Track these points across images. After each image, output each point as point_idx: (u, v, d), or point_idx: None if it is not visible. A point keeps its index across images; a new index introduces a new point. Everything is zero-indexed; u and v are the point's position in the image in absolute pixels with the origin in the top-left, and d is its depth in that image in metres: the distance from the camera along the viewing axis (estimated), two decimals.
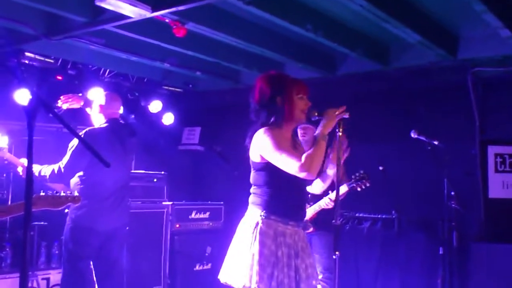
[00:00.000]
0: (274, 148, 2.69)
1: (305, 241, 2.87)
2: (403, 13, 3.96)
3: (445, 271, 4.43)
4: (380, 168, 4.30)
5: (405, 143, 4.62)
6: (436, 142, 4.18)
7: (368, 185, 3.96)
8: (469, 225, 4.80)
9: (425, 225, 5.11)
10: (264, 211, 2.75)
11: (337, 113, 2.75)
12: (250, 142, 2.84)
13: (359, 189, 3.98)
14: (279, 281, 2.65)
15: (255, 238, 2.69)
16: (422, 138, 4.23)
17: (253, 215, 2.79)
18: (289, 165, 2.66)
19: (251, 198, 2.86)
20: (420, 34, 4.22)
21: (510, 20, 3.95)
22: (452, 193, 4.16)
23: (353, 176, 4.01)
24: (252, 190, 2.87)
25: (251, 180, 2.89)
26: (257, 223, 2.73)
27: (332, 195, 4.05)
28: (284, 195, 2.78)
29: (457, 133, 5.03)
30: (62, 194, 3.07)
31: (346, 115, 2.77)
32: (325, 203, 4.14)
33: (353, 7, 3.76)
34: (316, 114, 2.83)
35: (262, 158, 2.77)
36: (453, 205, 4.18)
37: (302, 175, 2.67)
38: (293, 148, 2.82)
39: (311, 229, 4.10)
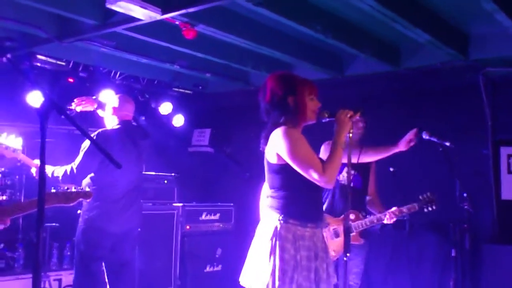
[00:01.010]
0: (294, 151, 2.67)
1: (324, 241, 2.87)
2: (412, 13, 3.95)
3: (457, 273, 4.40)
4: (391, 169, 4.28)
5: (416, 145, 4.59)
6: (448, 143, 4.15)
7: (434, 208, 4.00)
8: (482, 227, 4.77)
9: (437, 227, 5.07)
10: (282, 215, 2.73)
11: (349, 116, 2.75)
12: (265, 144, 2.82)
13: (425, 210, 4.03)
14: (299, 284, 2.66)
15: (275, 243, 2.69)
16: (434, 139, 4.19)
17: (271, 219, 2.77)
18: (309, 172, 2.66)
19: (268, 202, 2.83)
20: (430, 34, 4.20)
21: None
22: (464, 194, 4.12)
23: (420, 197, 4.02)
24: (268, 193, 2.85)
25: (267, 182, 2.87)
26: (276, 228, 2.72)
27: (394, 209, 4.07)
28: (301, 197, 2.77)
29: (468, 134, 4.99)
30: (73, 189, 3.09)
31: (358, 116, 2.77)
32: (387, 217, 4.09)
33: (363, 7, 3.75)
34: (326, 115, 2.83)
35: (279, 158, 2.74)
36: (465, 207, 4.14)
37: (322, 184, 2.70)
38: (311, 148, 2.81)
39: (362, 241, 4.10)
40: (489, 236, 4.83)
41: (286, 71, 3.01)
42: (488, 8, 3.63)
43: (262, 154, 2.87)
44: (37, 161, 3.95)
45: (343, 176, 4.11)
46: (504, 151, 4.93)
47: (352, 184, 4.09)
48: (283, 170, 2.75)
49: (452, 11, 4.23)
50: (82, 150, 3.87)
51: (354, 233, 4.02)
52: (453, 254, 4.29)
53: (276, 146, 2.73)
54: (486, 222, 4.82)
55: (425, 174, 5.09)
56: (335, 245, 3.95)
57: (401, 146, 3.76)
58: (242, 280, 2.81)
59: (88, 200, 3.34)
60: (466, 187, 4.20)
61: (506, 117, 5.02)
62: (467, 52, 4.71)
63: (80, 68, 5.54)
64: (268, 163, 2.82)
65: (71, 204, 3.11)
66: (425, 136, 4.21)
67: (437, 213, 4.97)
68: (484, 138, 5.01)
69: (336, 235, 4.01)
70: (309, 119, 2.85)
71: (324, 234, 3.57)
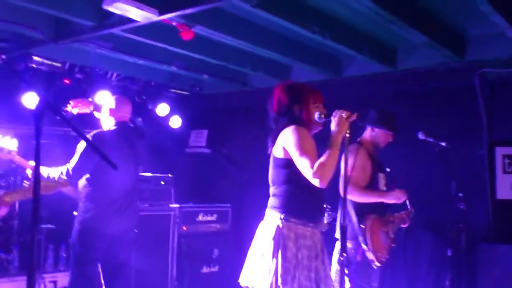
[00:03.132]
0: (298, 143, 2.76)
1: (322, 242, 2.91)
2: (409, 14, 3.96)
3: (453, 272, 4.40)
4: (387, 169, 4.29)
5: (412, 145, 4.60)
6: (443, 144, 4.16)
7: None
8: (477, 227, 4.78)
9: (433, 227, 5.09)
10: (283, 214, 2.78)
11: (345, 116, 2.76)
12: (272, 146, 2.91)
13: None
14: (300, 283, 2.69)
15: (277, 242, 2.72)
16: (430, 139, 4.21)
17: (273, 218, 2.82)
18: (305, 167, 2.72)
19: (270, 201, 2.89)
20: (426, 35, 4.21)
21: None
22: (460, 194, 4.14)
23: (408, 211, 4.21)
24: (271, 191, 2.92)
25: (270, 179, 2.93)
26: (278, 227, 2.76)
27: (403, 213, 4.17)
28: (303, 195, 2.82)
29: (464, 134, 5.01)
30: (53, 180, 3.19)
31: (355, 117, 2.79)
32: (401, 221, 4.15)
33: (360, 8, 3.77)
34: (323, 116, 2.87)
35: (285, 153, 2.82)
36: (461, 207, 4.16)
37: (314, 181, 2.71)
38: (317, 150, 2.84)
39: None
40: (484, 235, 4.85)
41: (293, 82, 3.12)
42: (483, 10, 3.65)
43: (259, 155, 2.92)
44: (32, 163, 3.94)
45: (381, 183, 4.06)
46: (500, 151, 4.95)
47: (385, 189, 4.07)
48: (288, 165, 2.82)
49: (448, 12, 4.24)
50: (78, 151, 3.86)
51: (393, 236, 4.00)
52: (449, 254, 4.29)
53: (284, 140, 2.82)
54: (481, 222, 4.83)
55: (421, 174, 5.10)
56: (387, 248, 3.90)
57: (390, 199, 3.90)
58: (243, 280, 2.82)
59: (67, 188, 3.41)
60: (461, 187, 4.21)
61: (501, 118, 5.03)
62: (463, 53, 4.73)
63: (77, 70, 5.52)
64: (274, 158, 2.90)
65: (51, 193, 3.21)
66: (421, 136, 4.23)
67: (433, 213, 5.00)
68: (479, 138, 5.02)
69: (387, 237, 3.93)
70: (315, 126, 2.95)
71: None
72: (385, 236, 3.89)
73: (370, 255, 3.73)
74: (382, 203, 3.90)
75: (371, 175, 3.94)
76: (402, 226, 4.17)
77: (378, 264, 3.77)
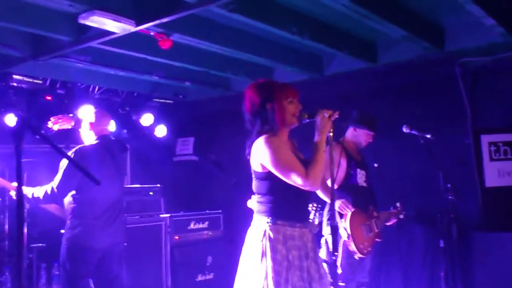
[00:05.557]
0: (276, 159, 2.70)
1: (313, 241, 2.88)
2: (385, 9, 3.98)
3: (448, 263, 4.43)
4: (375, 165, 4.30)
5: (398, 139, 4.63)
6: (428, 136, 4.19)
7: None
8: (468, 216, 4.80)
9: (425, 219, 5.10)
10: (270, 218, 2.75)
11: (328, 115, 2.76)
12: (249, 154, 2.84)
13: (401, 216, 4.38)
14: (293, 284, 2.67)
15: (266, 245, 2.70)
16: (414, 132, 4.24)
17: (259, 223, 2.79)
18: (292, 178, 2.69)
19: (256, 207, 2.85)
20: (404, 29, 4.23)
21: (493, 8, 3.96)
22: (448, 185, 4.17)
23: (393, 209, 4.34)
24: (255, 198, 2.87)
25: (254, 188, 2.88)
26: (265, 231, 2.74)
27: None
28: (288, 199, 2.78)
29: (449, 124, 5.04)
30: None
31: (337, 115, 2.78)
32: (386, 219, 4.28)
33: (337, 7, 3.78)
34: (306, 116, 2.84)
35: (263, 168, 2.77)
36: (449, 197, 4.19)
37: (305, 188, 2.71)
38: (293, 153, 2.81)
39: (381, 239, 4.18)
40: (475, 224, 4.87)
41: (264, 79, 3.02)
42: (459, 0, 3.67)
43: (247, 159, 2.88)
44: (15, 184, 3.89)
45: (360, 179, 4.21)
46: (485, 139, 4.97)
47: (365, 184, 4.23)
48: (268, 177, 2.77)
49: (425, 4, 4.27)
50: (61, 169, 3.82)
51: (377, 231, 4.12)
52: (441, 245, 4.32)
53: (259, 156, 2.76)
54: (472, 211, 4.85)
55: (408, 168, 5.12)
56: (369, 240, 4.02)
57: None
58: (237, 287, 2.80)
59: (68, 217, 3.33)
60: (449, 177, 4.24)
61: (484, 106, 5.07)
62: (443, 44, 4.76)
63: (58, 85, 5.49)
64: (254, 171, 2.85)
65: None
66: (405, 129, 4.26)
67: (424, 205, 5.02)
68: (464, 127, 5.05)
69: (370, 230, 4.08)
70: (291, 123, 2.87)
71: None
72: (367, 229, 4.04)
73: (352, 246, 3.86)
74: (363, 199, 4.04)
75: (346, 171, 4.10)
76: (387, 224, 4.25)
77: (360, 255, 3.91)
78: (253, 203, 2.87)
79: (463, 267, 4.72)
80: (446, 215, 4.32)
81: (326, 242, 3.92)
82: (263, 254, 2.69)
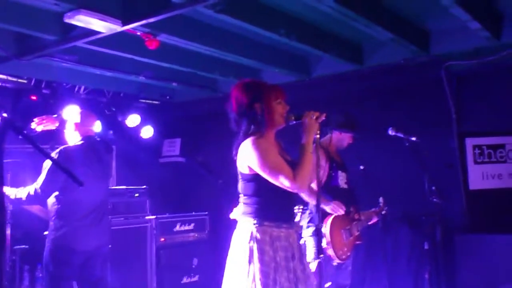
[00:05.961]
0: (264, 162, 2.68)
1: (299, 242, 2.88)
2: (372, 12, 4.00)
3: (432, 265, 4.46)
4: (361, 167, 4.32)
5: (384, 141, 4.64)
6: (413, 138, 4.21)
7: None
8: (452, 218, 4.84)
9: (410, 221, 5.14)
10: (256, 219, 2.73)
11: (314, 117, 2.76)
12: (236, 155, 2.81)
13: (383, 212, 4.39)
14: (281, 285, 2.66)
15: (253, 247, 2.68)
16: (400, 135, 4.26)
17: (245, 224, 2.77)
18: (280, 180, 2.68)
19: (241, 208, 2.83)
20: (391, 32, 4.26)
21: (478, 12, 4.01)
22: (433, 188, 4.19)
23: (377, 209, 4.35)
24: (241, 200, 2.85)
25: (240, 190, 2.86)
26: (252, 232, 2.72)
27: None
28: (274, 200, 2.77)
29: (434, 127, 5.07)
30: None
31: (324, 117, 2.79)
32: (368, 219, 4.26)
33: (323, 9, 3.79)
34: (293, 118, 2.84)
35: (250, 169, 2.75)
36: (434, 200, 4.21)
37: (293, 190, 2.71)
38: (280, 155, 2.80)
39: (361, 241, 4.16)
40: (460, 226, 4.91)
41: (251, 79, 2.98)
42: (445, 3, 3.70)
43: (234, 161, 2.86)
44: None
45: (341, 181, 4.20)
46: (470, 142, 5.02)
47: (346, 186, 4.21)
48: (255, 178, 2.76)
49: (411, 8, 4.30)
50: (44, 169, 3.78)
51: (358, 233, 4.10)
52: (426, 247, 4.35)
53: (246, 158, 2.74)
54: (456, 213, 4.89)
55: (394, 170, 5.15)
56: (348, 245, 4.00)
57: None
58: None
59: (52, 219, 3.28)
60: (434, 180, 4.26)
61: (470, 109, 5.12)
62: (428, 47, 4.80)
63: (43, 85, 5.43)
64: (240, 172, 2.83)
65: None
66: (391, 132, 4.28)
67: (409, 207, 5.05)
68: (449, 130, 5.10)
69: (350, 234, 4.05)
70: (279, 124, 2.86)
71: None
72: (347, 234, 4.01)
73: (330, 252, 3.85)
74: (345, 201, 4.02)
75: (328, 174, 4.11)
76: (369, 223, 4.25)
77: (338, 261, 3.90)
78: (237, 211, 2.85)
79: (448, 268, 4.75)
80: (430, 217, 4.34)
81: (305, 244, 3.90)
82: (251, 256, 2.67)
